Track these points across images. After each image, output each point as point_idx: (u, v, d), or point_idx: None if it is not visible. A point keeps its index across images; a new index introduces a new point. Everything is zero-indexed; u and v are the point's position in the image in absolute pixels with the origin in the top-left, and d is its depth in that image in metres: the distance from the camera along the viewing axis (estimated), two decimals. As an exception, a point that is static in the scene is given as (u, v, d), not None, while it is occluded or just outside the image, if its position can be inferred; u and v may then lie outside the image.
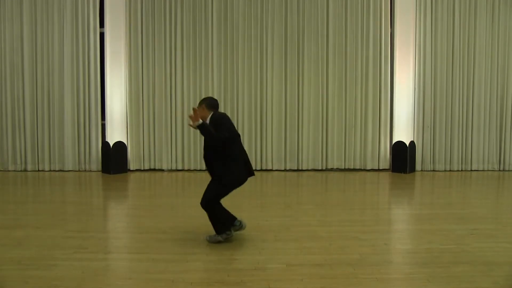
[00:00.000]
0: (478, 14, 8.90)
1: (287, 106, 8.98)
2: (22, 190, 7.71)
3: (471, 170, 9.04)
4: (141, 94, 8.92)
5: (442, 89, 8.96)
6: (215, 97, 8.81)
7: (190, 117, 4.20)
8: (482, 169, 9.07)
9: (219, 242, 4.54)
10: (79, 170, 8.89)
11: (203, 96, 8.87)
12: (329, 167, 9.08)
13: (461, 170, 9.05)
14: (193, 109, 4.28)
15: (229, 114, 9.13)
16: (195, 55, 8.88)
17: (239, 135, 4.56)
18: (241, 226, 4.68)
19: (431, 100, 8.96)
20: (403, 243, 4.72)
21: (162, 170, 8.98)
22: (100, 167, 8.87)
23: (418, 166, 9.02)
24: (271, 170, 8.99)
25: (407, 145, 8.74)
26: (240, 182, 4.50)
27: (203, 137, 4.45)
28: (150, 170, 8.99)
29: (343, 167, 9.09)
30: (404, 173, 8.76)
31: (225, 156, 4.40)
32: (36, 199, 7.03)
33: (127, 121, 8.93)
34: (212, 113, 4.48)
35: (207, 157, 4.53)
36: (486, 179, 8.39)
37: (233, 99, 8.90)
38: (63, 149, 8.86)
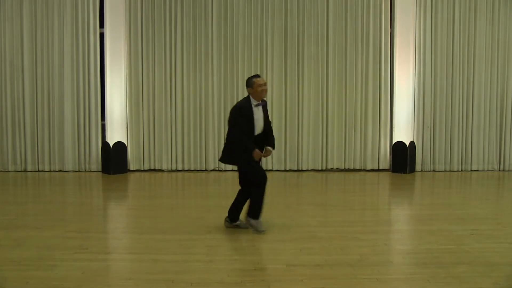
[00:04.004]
0: (478, 14, 8.89)
1: (287, 106, 8.98)
2: (22, 191, 7.72)
3: (471, 171, 9.04)
4: (141, 94, 8.91)
5: (442, 89, 8.95)
6: (215, 97, 8.87)
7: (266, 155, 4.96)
8: (482, 170, 9.06)
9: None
10: (79, 171, 8.88)
11: (203, 96, 8.90)
12: (329, 167, 9.07)
13: (461, 171, 9.04)
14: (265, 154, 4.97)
15: (228, 114, 9.15)
16: (195, 55, 8.87)
17: None
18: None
19: (431, 100, 8.95)
20: (403, 243, 4.72)
21: (162, 170, 8.98)
22: (100, 168, 8.87)
23: (418, 167, 9.02)
24: (271, 170, 8.99)
25: (407, 145, 8.73)
26: None
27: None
28: (150, 170, 8.98)
29: (343, 168, 9.09)
30: (404, 173, 8.75)
31: None
32: (36, 199, 7.04)
33: (127, 122, 8.92)
34: None
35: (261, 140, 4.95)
36: (486, 180, 8.39)
37: (233, 99, 8.88)
38: (63, 150, 8.85)
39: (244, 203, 5.00)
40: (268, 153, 5.00)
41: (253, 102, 4.84)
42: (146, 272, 3.82)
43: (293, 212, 5.92)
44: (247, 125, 4.77)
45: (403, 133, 8.89)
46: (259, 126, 4.88)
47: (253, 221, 4.85)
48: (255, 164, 4.85)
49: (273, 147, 5.05)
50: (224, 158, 5.04)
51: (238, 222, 5.02)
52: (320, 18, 8.88)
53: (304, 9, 8.84)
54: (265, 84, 4.87)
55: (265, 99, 5.12)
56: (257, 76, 4.91)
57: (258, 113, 4.86)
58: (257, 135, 4.88)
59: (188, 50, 8.85)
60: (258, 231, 4.83)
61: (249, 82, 4.85)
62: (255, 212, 4.85)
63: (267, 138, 5.02)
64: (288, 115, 8.97)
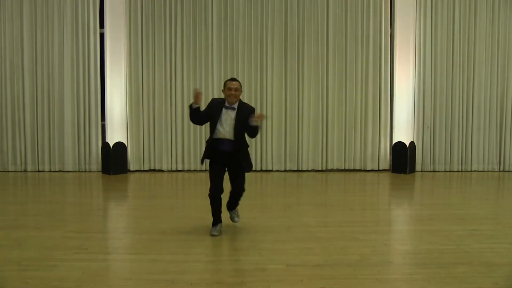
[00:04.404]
0: (478, 14, 8.90)
1: (287, 107, 8.98)
2: (22, 191, 7.71)
3: (471, 171, 9.04)
4: (141, 94, 8.92)
5: (442, 89, 8.95)
6: (215, 96, 8.84)
7: (260, 117, 4.63)
8: (482, 170, 9.06)
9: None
10: (79, 171, 8.88)
11: (203, 96, 8.84)
12: (329, 167, 9.07)
13: (461, 171, 9.04)
14: (260, 115, 4.67)
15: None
16: (195, 55, 8.88)
17: None
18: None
19: (431, 100, 8.96)
20: (403, 243, 4.72)
21: (162, 170, 8.98)
22: (100, 168, 8.87)
23: (418, 167, 9.02)
24: (271, 170, 8.99)
25: (407, 145, 8.73)
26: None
27: (226, 126, 4.70)
28: (150, 170, 8.98)
29: (343, 168, 9.09)
30: (404, 173, 8.75)
31: (246, 145, 4.86)
32: (36, 199, 7.03)
33: (127, 122, 8.92)
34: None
35: (234, 146, 4.72)
36: (486, 180, 8.39)
37: (233, 99, 8.90)
38: (63, 150, 8.85)
39: (232, 196, 4.98)
40: (258, 117, 4.65)
41: (226, 103, 4.76)
42: (146, 272, 3.82)
43: (293, 212, 5.91)
44: (206, 116, 4.78)
45: (403, 133, 8.89)
46: (223, 130, 4.68)
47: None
48: (212, 173, 4.76)
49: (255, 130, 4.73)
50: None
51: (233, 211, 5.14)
52: (320, 18, 8.89)
53: (304, 9, 8.85)
54: (235, 89, 4.70)
55: (251, 106, 4.95)
56: (231, 79, 4.84)
57: (226, 116, 4.70)
58: (226, 140, 4.70)
59: (188, 50, 8.85)
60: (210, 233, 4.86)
61: (224, 83, 4.85)
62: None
63: (250, 131, 4.80)
64: (288, 115, 8.97)
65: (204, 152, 4.86)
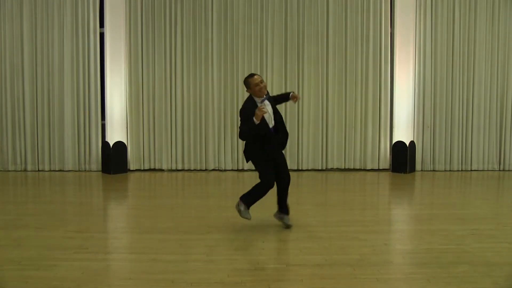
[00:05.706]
0: (478, 14, 8.89)
1: (287, 106, 8.96)
2: (22, 190, 7.71)
3: (471, 170, 9.04)
4: (141, 94, 8.92)
5: (442, 89, 8.95)
6: (215, 97, 8.87)
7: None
8: (482, 169, 9.06)
9: None
10: (79, 170, 8.89)
11: (203, 96, 8.90)
12: (329, 167, 9.08)
13: (461, 170, 9.04)
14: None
15: (229, 114, 9.16)
16: (195, 55, 8.87)
17: None
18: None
19: (431, 100, 8.96)
20: (403, 243, 4.72)
21: (162, 170, 8.98)
22: (100, 167, 8.87)
23: (418, 166, 9.02)
24: (271, 170, 8.98)
25: (407, 145, 8.73)
26: None
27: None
28: (150, 170, 8.98)
29: (343, 167, 9.09)
30: (404, 173, 8.75)
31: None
32: (36, 199, 7.04)
33: (127, 121, 8.93)
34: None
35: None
36: (486, 179, 8.39)
37: (233, 99, 8.90)
38: (63, 149, 8.85)
39: (280, 195, 5.13)
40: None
41: (257, 100, 4.89)
42: (146, 272, 3.82)
43: (293, 212, 5.89)
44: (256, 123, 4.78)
45: (403, 133, 8.89)
46: (271, 119, 4.96)
47: (243, 207, 4.91)
48: (264, 166, 4.90)
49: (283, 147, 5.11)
50: (245, 156, 5.14)
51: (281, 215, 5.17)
52: (320, 18, 8.88)
53: (304, 9, 8.84)
54: (261, 81, 4.86)
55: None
56: (251, 75, 4.91)
57: (266, 108, 4.86)
58: (273, 128, 4.99)
59: (188, 50, 8.85)
60: (242, 216, 4.91)
61: (246, 83, 4.91)
62: (248, 201, 4.95)
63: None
64: (288, 115, 8.95)
65: (261, 153, 4.93)
